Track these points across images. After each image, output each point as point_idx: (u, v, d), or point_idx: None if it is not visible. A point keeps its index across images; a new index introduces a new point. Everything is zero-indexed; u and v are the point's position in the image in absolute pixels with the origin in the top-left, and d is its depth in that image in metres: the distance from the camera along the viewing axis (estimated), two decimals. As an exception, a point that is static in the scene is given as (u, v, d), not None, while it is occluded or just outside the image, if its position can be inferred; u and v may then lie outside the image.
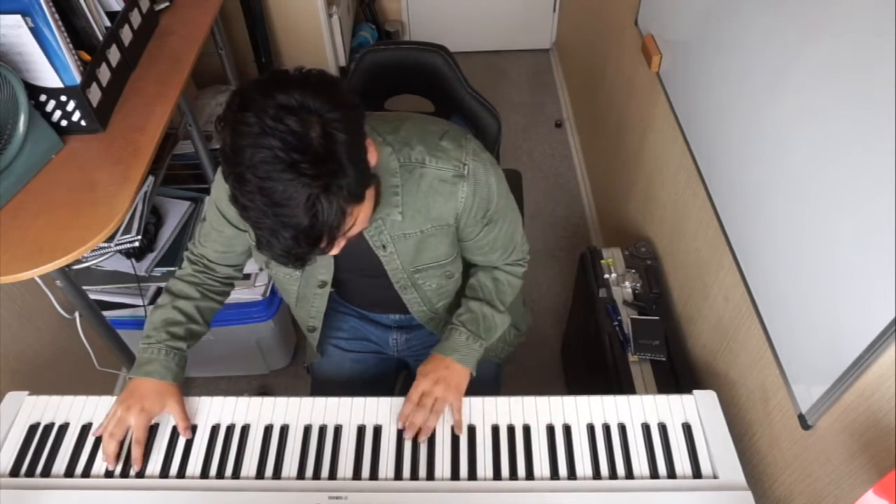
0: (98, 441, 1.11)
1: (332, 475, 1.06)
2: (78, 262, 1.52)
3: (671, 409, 1.14)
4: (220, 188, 1.12)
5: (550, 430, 1.11)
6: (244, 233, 1.17)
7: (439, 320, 1.31)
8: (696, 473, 1.05)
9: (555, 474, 1.06)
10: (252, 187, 0.79)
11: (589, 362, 1.68)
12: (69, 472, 1.08)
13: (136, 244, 1.69)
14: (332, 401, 1.16)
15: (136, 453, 1.08)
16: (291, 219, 0.80)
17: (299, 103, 0.79)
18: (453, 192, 1.07)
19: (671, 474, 1.05)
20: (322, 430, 1.12)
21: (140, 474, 1.08)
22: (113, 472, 1.08)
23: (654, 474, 1.06)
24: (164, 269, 1.81)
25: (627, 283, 1.59)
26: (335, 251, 0.91)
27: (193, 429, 1.14)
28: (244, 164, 0.78)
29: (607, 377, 1.47)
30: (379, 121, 1.06)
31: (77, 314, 1.72)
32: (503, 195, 1.14)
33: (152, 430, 1.13)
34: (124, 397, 1.12)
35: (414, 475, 1.06)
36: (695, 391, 1.15)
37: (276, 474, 1.07)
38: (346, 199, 0.83)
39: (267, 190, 0.78)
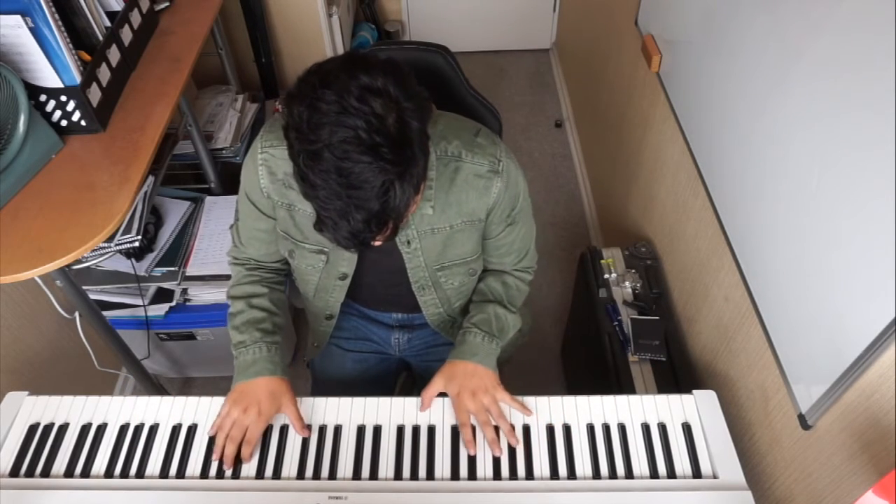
0: (97, 441, 1.11)
1: (332, 475, 1.06)
2: (78, 262, 1.52)
3: (671, 409, 1.14)
4: (249, 178, 1.09)
5: (550, 429, 1.11)
6: (275, 221, 1.15)
7: (452, 322, 1.31)
8: (696, 473, 1.06)
9: (555, 474, 1.06)
10: (328, 166, 0.78)
11: (589, 362, 1.68)
12: (69, 472, 1.08)
13: (136, 244, 1.69)
14: (333, 401, 1.16)
15: (246, 452, 1.07)
16: (364, 202, 0.79)
17: (384, 87, 0.78)
18: (487, 188, 1.07)
19: (671, 474, 1.05)
20: (322, 429, 1.12)
21: (140, 474, 1.07)
22: (113, 472, 1.07)
23: (654, 474, 1.06)
24: (164, 269, 1.80)
25: (627, 283, 1.59)
26: (390, 239, 0.90)
27: (308, 428, 1.12)
28: (322, 141, 0.77)
29: (607, 377, 1.47)
30: None
31: (77, 314, 1.72)
32: (527, 198, 1.15)
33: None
34: (237, 398, 1.11)
35: (414, 475, 1.06)
36: (695, 391, 1.15)
37: (276, 474, 1.07)
38: (415, 187, 0.83)
39: (344, 170, 0.77)
